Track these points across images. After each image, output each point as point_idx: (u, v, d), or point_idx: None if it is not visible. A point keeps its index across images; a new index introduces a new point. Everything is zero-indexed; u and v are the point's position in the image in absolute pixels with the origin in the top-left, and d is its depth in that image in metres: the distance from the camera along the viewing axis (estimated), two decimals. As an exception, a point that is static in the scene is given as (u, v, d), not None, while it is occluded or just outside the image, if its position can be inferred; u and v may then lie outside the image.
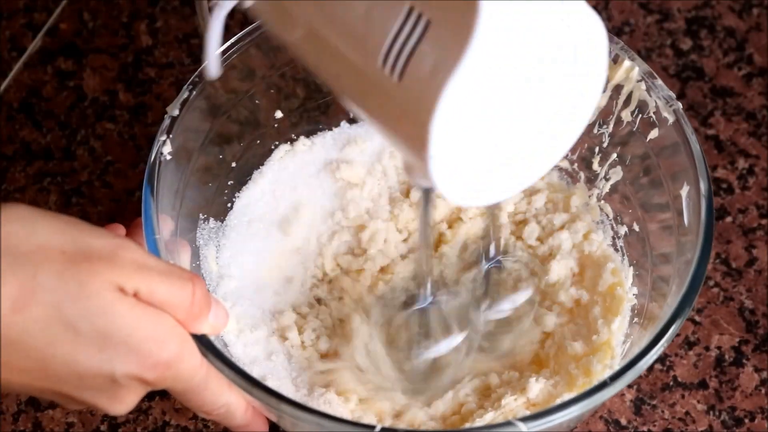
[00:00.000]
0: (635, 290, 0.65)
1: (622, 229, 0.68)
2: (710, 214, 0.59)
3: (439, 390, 0.64)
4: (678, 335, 0.69)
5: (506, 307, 0.65)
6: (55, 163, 0.76)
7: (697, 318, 0.70)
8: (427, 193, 0.56)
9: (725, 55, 0.81)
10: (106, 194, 0.75)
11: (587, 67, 0.49)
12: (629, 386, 0.67)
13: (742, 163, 0.76)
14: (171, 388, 0.54)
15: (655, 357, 0.56)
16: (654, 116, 0.63)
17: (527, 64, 0.46)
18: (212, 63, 0.53)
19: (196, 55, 0.80)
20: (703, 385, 0.68)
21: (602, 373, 0.62)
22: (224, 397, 0.56)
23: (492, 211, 0.62)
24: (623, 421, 0.67)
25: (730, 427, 0.66)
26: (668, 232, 0.63)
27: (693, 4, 0.83)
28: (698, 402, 0.67)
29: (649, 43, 0.81)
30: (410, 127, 0.46)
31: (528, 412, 0.61)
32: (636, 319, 0.64)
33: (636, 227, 0.66)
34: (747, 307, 0.70)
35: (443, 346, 0.63)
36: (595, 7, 0.82)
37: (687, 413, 0.67)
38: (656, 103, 0.63)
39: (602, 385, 0.55)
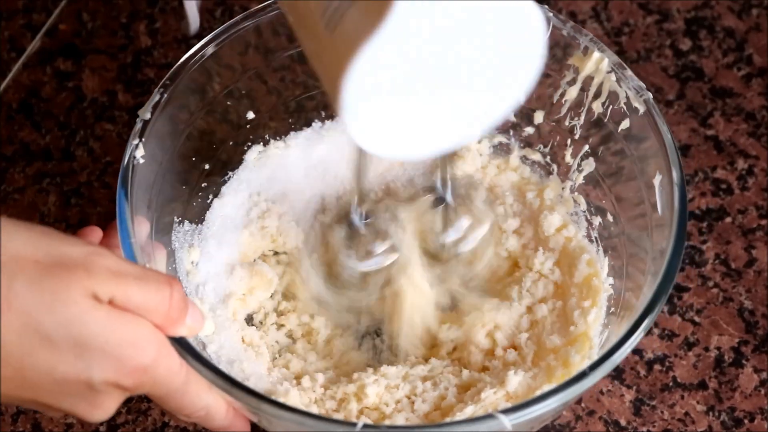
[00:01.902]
0: (611, 280, 0.66)
1: (597, 220, 0.68)
2: (683, 203, 0.60)
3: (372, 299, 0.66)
4: (677, 336, 0.69)
5: (466, 241, 0.66)
6: (54, 164, 0.76)
7: (696, 318, 0.70)
8: None
9: (725, 56, 0.81)
10: (105, 195, 0.75)
11: (521, 47, 0.50)
12: (629, 387, 0.68)
13: (741, 164, 0.76)
14: (150, 392, 0.54)
15: (632, 346, 0.56)
16: (625, 107, 0.64)
17: (449, 39, 0.49)
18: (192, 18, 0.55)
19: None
20: (702, 385, 0.68)
21: (581, 364, 0.62)
22: (204, 400, 0.56)
23: (444, 158, 0.63)
24: (623, 422, 0.67)
25: (730, 427, 0.66)
26: (642, 221, 0.63)
27: (692, 5, 0.83)
28: (698, 403, 0.67)
29: (649, 43, 0.81)
30: (332, 79, 0.50)
31: (509, 405, 0.61)
32: (613, 309, 0.64)
33: (610, 218, 0.67)
34: (746, 308, 0.70)
35: (375, 258, 0.64)
36: (595, 8, 0.83)
37: (686, 414, 0.67)
38: (627, 93, 0.63)
39: (581, 376, 0.55)
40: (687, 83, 0.79)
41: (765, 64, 0.80)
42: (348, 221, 0.64)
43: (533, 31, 0.50)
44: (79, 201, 0.75)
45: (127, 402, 0.67)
